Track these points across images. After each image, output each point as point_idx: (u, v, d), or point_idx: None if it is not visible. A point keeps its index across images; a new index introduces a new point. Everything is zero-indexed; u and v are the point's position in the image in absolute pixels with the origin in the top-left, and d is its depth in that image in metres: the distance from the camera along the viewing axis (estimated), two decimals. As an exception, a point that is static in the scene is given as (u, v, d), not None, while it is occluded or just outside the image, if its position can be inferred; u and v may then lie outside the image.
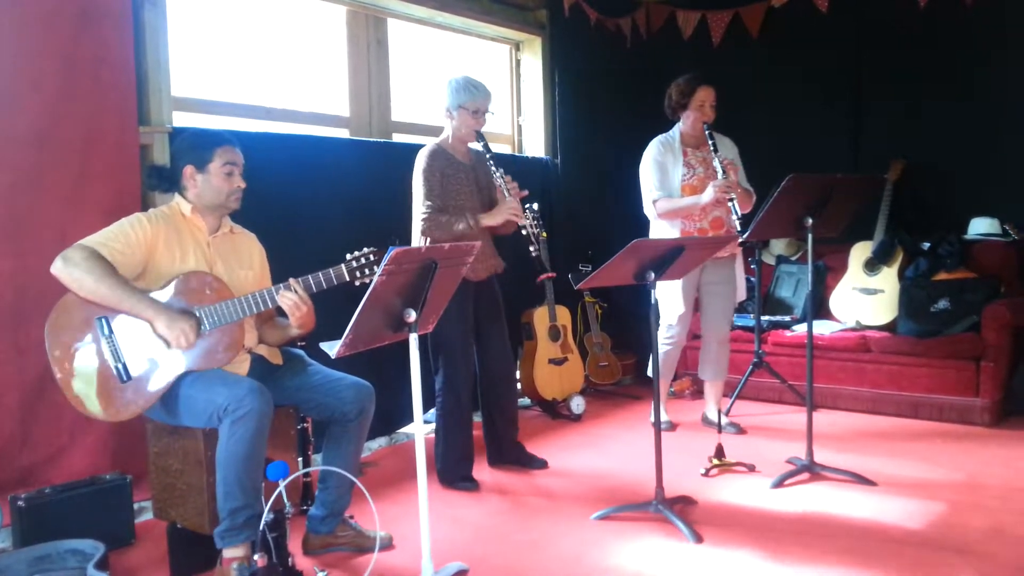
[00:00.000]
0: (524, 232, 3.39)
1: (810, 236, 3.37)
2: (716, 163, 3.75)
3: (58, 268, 2.36)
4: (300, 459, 2.91)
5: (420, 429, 2.41)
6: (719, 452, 3.59)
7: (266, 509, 2.34)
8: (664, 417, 4.24)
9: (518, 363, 4.56)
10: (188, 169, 2.58)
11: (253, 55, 3.84)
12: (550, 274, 3.51)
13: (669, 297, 4.01)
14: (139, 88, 3.18)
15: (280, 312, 2.65)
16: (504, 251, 3.65)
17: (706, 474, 3.51)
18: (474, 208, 3.42)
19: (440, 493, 3.39)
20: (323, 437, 2.77)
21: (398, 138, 4.41)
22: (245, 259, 2.72)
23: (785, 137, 5.12)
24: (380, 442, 4.13)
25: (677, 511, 2.99)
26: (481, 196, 3.49)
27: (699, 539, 2.82)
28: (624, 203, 4.66)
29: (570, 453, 3.92)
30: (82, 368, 2.40)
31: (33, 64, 2.89)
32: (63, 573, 2.53)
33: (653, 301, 3.06)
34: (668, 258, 2.91)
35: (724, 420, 4.12)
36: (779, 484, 3.33)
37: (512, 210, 3.35)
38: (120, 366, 2.40)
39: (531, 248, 3.44)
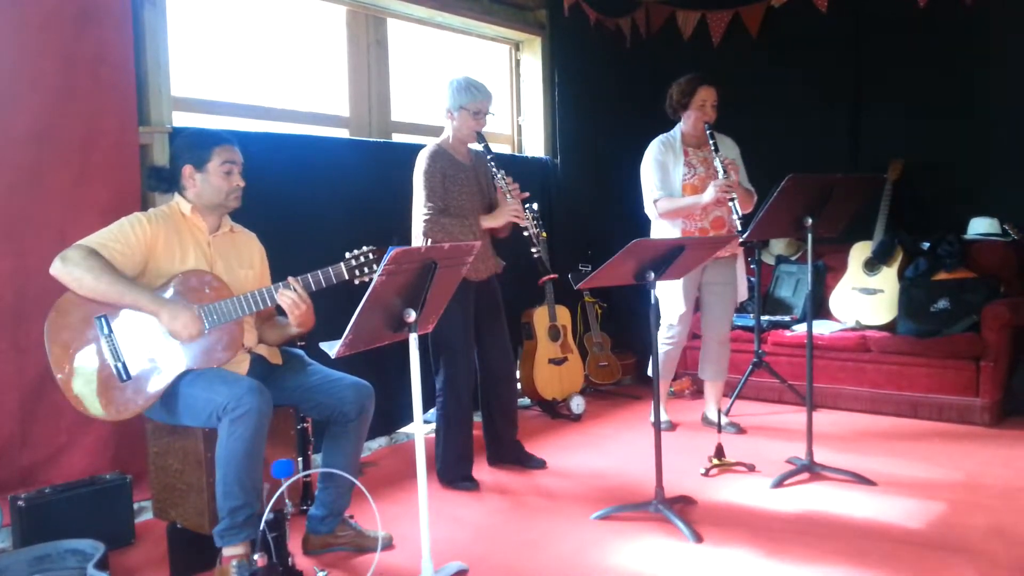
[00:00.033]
0: (526, 234, 3.39)
1: (810, 236, 3.37)
2: (717, 163, 3.75)
3: (57, 269, 2.36)
4: (300, 459, 2.91)
5: (420, 429, 2.40)
6: (719, 452, 3.59)
7: (267, 509, 2.34)
8: (664, 417, 4.24)
9: (518, 363, 4.56)
10: (187, 169, 2.58)
11: (253, 55, 3.84)
12: (552, 276, 3.51)
13: (670, 296, 4.01)
14: (139, 88, 3.18)
15: (280, 311, 2.65)
16: (504, 251, 3.65)
17: (706, 474, 3.51)
18: (475, 209, 3.42)
19: (440, 493, 3.39)
20: (323, 437, 2.77)
21: (398, 138, 4.41)
22: (245, 258, 2.72)
23: (785, 137, 5.11)
24: (380, 442, 4.13)
25: (677, 511, 2.99)
26: (482, 197, 3.49)
27: (699, 539, 2.82)
28: (624, 203, 4.66)
29: (570, 453, 3.92)
30: (82, 367, 2.40)
31: (33, 64, 2.90)
32: (63, 573, 2.53)
33: (653, 301, 3.06)
34: (668, 258, 2.91)
35: (724, 420, 4.12)
36: (779, 484, 3.33)
37: (514, 212, 3.35)
38: (120, 365, 2.40)
39: (533, 250, 3.44)
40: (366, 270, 2.54)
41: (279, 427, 2.63)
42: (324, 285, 2.54)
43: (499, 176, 3.39)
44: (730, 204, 3.65)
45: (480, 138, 3.42)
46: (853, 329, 4.57)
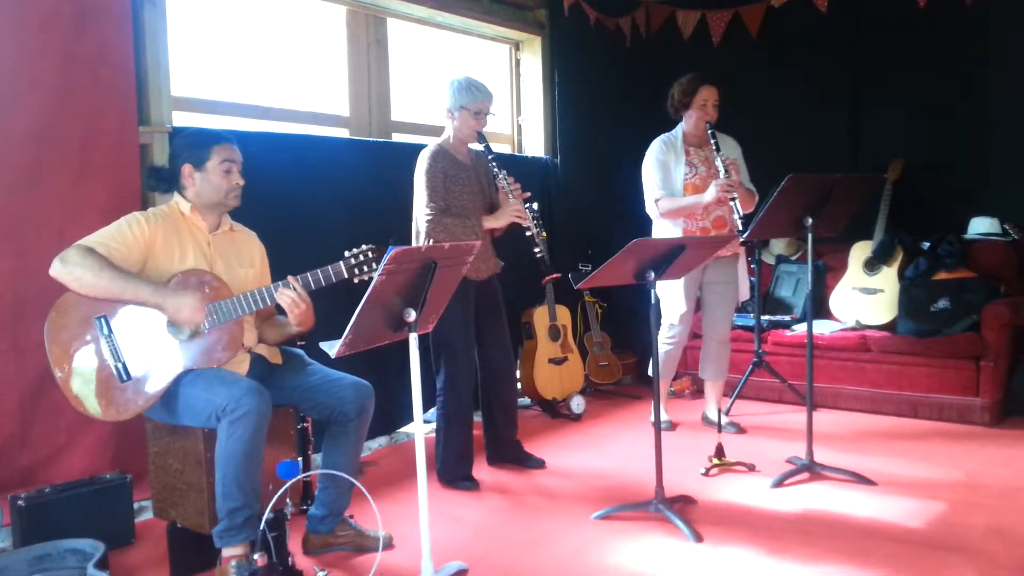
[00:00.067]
0: (528, 233, 3.39)
1: (810, 236, 3.37)
2: (718, 162, 3.76)
3: (57, 269, 2.36)
4: (300, 459, 2.91)
5: (420, 429, 2.40)
6: (719, 452, 3.59)
7: (267, 509, 2.34)
8: (664, 417, 4.24)
9: (518, 363, 4.56)
10: (186, 168, 2.58)
11: (253, 55, 3.84)
12: (555, 275, 3.51)
13: (672, 296, 4.01)
14: (139, 88, 3.18)
15: (280, 310, 2.65)
16: (505, 251, 3.65)
17: (706, 474, 3.51)
18: (477, 209, 3.42)
19: (440, 493, 3.39)
20: (323, 437, 2.77)
21: (398, 138, 4.41)
22: (246, 257, 2.72)
23: (785, 137, 5.11)
24: (380, 442, 4.13)
25: (677, 510, 2.99)
26: (483, 197, 3.49)
27: (699, 538, 2.82)
28: (624, 203, 4.66)
29: (570, 453, 3.92)
30: (81, 368, 2.40)
31: (32, 64, 2.89)
32: (63, 573, 2.53)
33: (653, 300, 3.06)
34: (668, 258, 2.91)
35: (724, 420, 4.12)
36: (779, 484, 3.33)
37: (516, 212, 3.35)
38: (120, 366, 2.40)
39: (536, 250, 3.43)
40: (365, 269, 2.54)
41: (279, 427, 2.63)
42: (324, 284, 2.54)
43: (501, 176, 3.38)
44: (731, 204, 3.65)
45: (481, 138, 3.42)
46: (853, 329, 4.57)
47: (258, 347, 2.72)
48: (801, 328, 4.62)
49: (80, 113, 3.00)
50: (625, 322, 5.22)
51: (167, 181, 2.64)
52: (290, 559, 2.47)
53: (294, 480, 2.39)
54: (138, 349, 2.43)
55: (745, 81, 5.03)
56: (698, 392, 4.75)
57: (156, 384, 2.43)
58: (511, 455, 3.70)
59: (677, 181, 3.93)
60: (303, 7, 4.09)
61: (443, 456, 3.49)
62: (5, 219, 2.87)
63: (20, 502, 2.69)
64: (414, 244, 3.42)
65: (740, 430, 4.16)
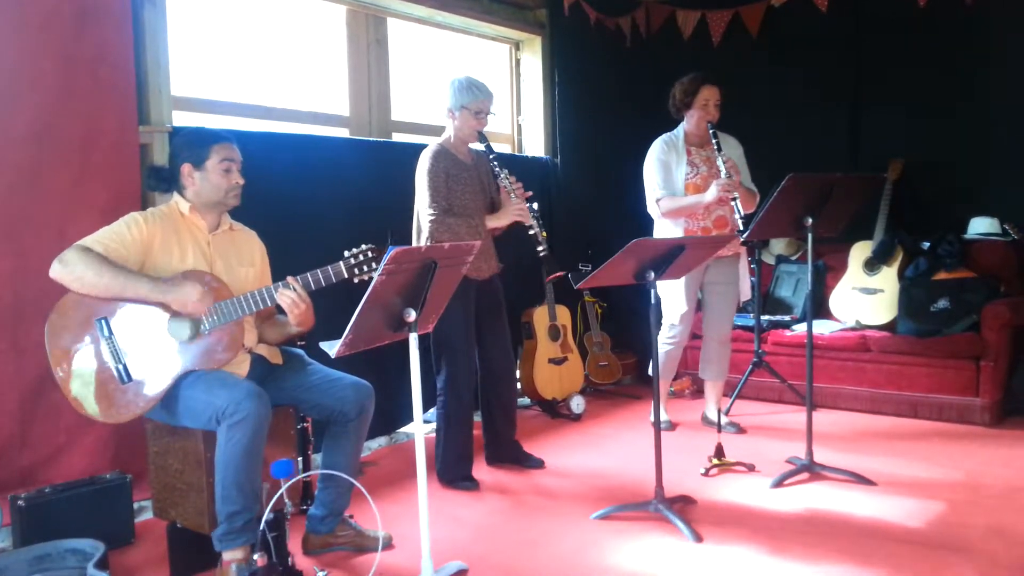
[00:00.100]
0: (531, 232, 3.39)
1: (810, 236, 3.37)
2: (719, 162, 3.76)
3: (56, 270, 2.36)
4: (300, 459, 2.91)
5: (420, 429, 2.40)
6: (719, 452, 3.59)
7: (267, 509, 2.34)
8: (664, 417, 4.24)
9: (518, 362, 4.56)
10: (186, 167, 2.58)
11: (253, 55, 3.84)
12: (560, 273, 3.50)
13: (673, 296, 4.01)
14: (139, 88, 3.18)
15: (280, 310, 2.65)
16: (506, 251, 3.65)
17: (706, 474, 3.51)
18: (479, 209, 3.42)
19: (440, 493, 3.39)
20: (323, 437, 2.76)
21: (398, 137, 4.41)
22: (246, 256, 2.72)
23: (785, 137, 5.11)
24: (380, 442, 4.13)
25: (677, 510, 2.99)
26: (485, 196, 3.49)
27: (699, 538, 2.82)
28: (624, 202, 4.66)
29: (570, 453, 3.92)
30: (81, 369, 2.40)
31: (32, 64, 2.89)
32: (63, 573, 2.53)
33: (654, 300, 3.06)
34: (668, 257, 2.91)
35: (724, 420, 4.12)
36: (779, 484, 3.33)
37: (518, 211, 3.35)
38: (120, 367, 2.40)
39: (539, 248, 3.41)
40: (365, 268, 2.54)
41: (279, 427, 2.63)
42: (323, 284, 2.54)
43: (503, 175, 3.38)
44: (732, 203, 3.65)
45: (481, 137, 3.42)
46: (853, 329, 4.57)
47: (258, 347, 2.72)
48: (801, 328, 4.62)
49: (80, 113, 3.00)
50: (625, 322, 5.22)
51: (167, 181, 2.64)
52: (290, 559, 2.47)
53: (291, 480, 2.39)
54: (139, 350, 2.42)
55: (745, 81, 5.03)
56: (698, 392, 4.75)
57: (156, 386, 2.43)
58: (510, 455, 3.70)
59: (678, 181, 3.93)
60: (303, 7, 4.09)
61: (443, 456, 3.49)
62: (5, 219, 2.87)
63: (20, 502, 2.69)
64: (415, 243, 3.42)
65: (740, 430, 4.16)
